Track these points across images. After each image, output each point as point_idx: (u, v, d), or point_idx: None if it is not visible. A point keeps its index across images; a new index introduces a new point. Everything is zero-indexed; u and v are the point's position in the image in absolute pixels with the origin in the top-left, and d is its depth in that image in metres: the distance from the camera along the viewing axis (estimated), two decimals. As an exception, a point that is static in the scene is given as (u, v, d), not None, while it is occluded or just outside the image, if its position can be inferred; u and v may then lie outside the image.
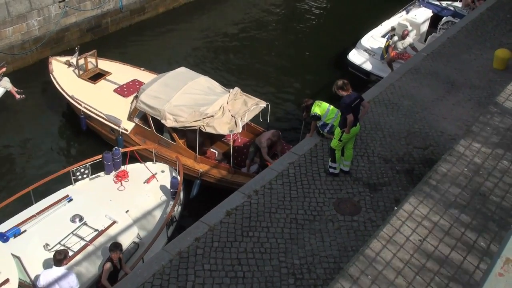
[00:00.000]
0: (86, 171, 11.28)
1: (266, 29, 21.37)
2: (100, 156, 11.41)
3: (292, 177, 9.90)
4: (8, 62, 15.97)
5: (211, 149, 13.37)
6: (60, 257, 8.15)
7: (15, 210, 10.40)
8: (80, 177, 11.22)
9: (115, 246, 8.91)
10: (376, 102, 12.38)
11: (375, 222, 8.83)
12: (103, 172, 11.63)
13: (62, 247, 9.29)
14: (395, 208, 8.71)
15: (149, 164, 12.04)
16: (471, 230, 8.11)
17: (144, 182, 11.50)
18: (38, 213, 10.00)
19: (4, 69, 15.05)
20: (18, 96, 15.25)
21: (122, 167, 11.69)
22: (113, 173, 11.58)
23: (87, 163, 11.23)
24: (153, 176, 11.66)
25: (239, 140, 13.32)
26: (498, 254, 4.19)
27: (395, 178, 9.95)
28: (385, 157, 10.53)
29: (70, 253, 9.17)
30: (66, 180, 11.19)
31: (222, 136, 13.38)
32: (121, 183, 11.37)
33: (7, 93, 15.13)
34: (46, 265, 8.78)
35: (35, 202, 10.42)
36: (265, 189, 9.56)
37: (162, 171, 11.90)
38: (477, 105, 12.29)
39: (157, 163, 12.15)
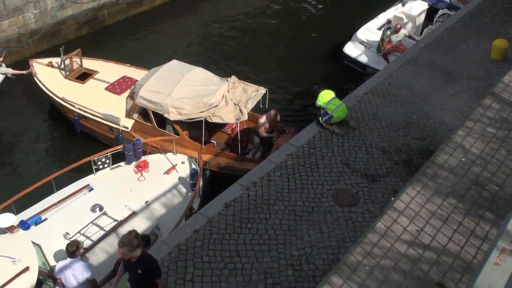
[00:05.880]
0: (107, 161, 11.31)
1: (262, 22, 21.30)
2: (121, 146, 11.46)
3: (290, 168, 9.91)
4: (5, 55, 15.92)
5: (211, 140, 13.42)
6: (72, 249, 8.12)
7: (37, 198, 10.46)
8: (101, 166, 11.26)
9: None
10: (374, 93, 12.38)
11: (373, 213, 8.85)
12: (124, 162, 11.65)
13: (82, 237, 9.38)
14: (392, 199, 8.74)
15: (169, 155, 12.06)
16: (469, 220, 8.15)
17: (164, 173, 11.52)
18: (59, 202, 10.08)
19: (1, 58, 15.02)
20: (24, 72, 15.12)
21: (143, 158, 11.70)
22: (134, 163, 11.60)
23: (108, 152, 11.25)
24: (173, 167, 11.66)
25: (237, 128, 13.32)
26: (493, 244, 4.22)
27: (393, 169, 9.97)
28: (383, 148, 10.54)
29: (90, 243, 9.27)
30: (87, 169, 11.23)
31: (221, 126, 13.38)
32: (142, 174, 11.40)
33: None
34: (65, 253, 8.82)
35: (57, 191, 10.48)
36: (264, 180, 9.58)
37: (182, 162, 11.90)
38: (475, 96, 12.29)
39: (177, 154, 12.15)
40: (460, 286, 7.06)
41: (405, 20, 17.36)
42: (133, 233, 6.63)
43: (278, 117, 12.59)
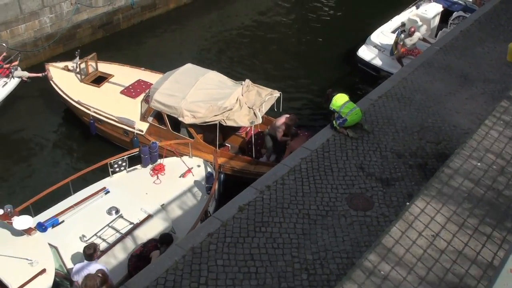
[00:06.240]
0: (124, 164, 11.39)
1: (276, 25, 21.33)
2: (138, 149, 11.55)
3: (304, 172, 9.90)
4: (21, 59, 16.08)
5: (225, 143, 13.46)
6: (90, 252, 8.19)
7: (54, 200, 10.56)
8: (117, 169, 11.35)
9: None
10: (388, 97, 12.33)
11: (388, 218, 8.81)
12: (140, 165, 11.72)
13: (98, 239, 9.45)
14: (407, 203, 8.69)
15: (185, 158, 12.10)
16: (485, 225, 8.07)
17: (180, 176, 11.55)
18: (76, 204, 10.16)
19: (17, 62, 15.21)
20: (40, 74, 15.28)
21: (159, 161, 11.77)
22: (150, 166, 11.66)
23: (124, 155, 11.34)
24: (189, 170, 11.69)
25: (252, 132, 13.36)
26: (510, 250, 4.18)
27: (408, 173, 9.91)
28: (398, 152, 10.49)
29: (106, 245, 9.34)
30: (104, 172, 11.34)
31: (236, 129, 13.42)
32: (158, 177, 11.46)
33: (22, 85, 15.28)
34: (82, 256, 8.90)
35: (74, 193, 10.58)
36: (278, 184, 9.58)
37: (198, 166, 11.95)
38: (491, 99, 12.19)
39: (193, 157, 12.19)
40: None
41: (420, 23, 17.25)
42: (98, 275, 7.00)
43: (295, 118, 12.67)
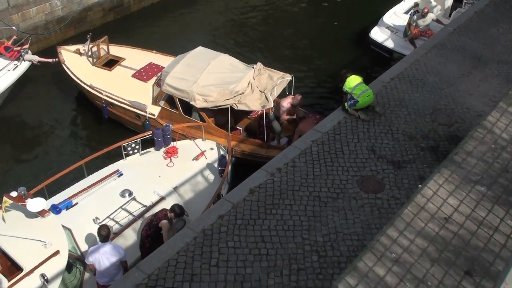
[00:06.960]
0: (137, 147, 11.45)
1: (288, 7, 21.13)
2: (151, 132, 11.58)
3: (315, 154, 9.86)
4: (32, 42, 16.12)
5: (237, 127, 13.44)
6: (105, 233, 8.21)
7: (68, 182, 10.70)
8: (131, 152, 11.41)
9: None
10: (400, 79, 12.20)
11: (399, 200, 8.77)
12: (153, 148, 11.77)
13: (111, 221, 9.55)
14: (419, 186, 8.63)
15: (198, 141, 12.12)
16: (498, 207, 8.01)
17: (193, 159, 11.58)
18: (90, 187, 10.27)
19: (27, 45, 15.23)
20: (50, 60, 15.35)
21: (172, 144, 11.80)
22: (163, 149, 11.70)
23: (138, 138, 11.38)
24: (202, 153, 11.71)
25: (262, 113, 13.29)
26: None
27: (420, 156, 9.84)
28: (410, 134, 10.41)
29: (119, 227, 9.44)
30: (117, 155, 11.42)
31: (247, 113, 13.37)
32: (171, 159, 11.49)
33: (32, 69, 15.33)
34: (95, 238, 8.97)
35: (87, 176, 10.68)
36: (288, 167, 9.55)
37: (211, 149, 11.96)
38: (505, 81, 12.02)
39: (206, 140, 12.19)
40: (488, 275, 6.97)
41: (433, 3, 16.98)
42: None
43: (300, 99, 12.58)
